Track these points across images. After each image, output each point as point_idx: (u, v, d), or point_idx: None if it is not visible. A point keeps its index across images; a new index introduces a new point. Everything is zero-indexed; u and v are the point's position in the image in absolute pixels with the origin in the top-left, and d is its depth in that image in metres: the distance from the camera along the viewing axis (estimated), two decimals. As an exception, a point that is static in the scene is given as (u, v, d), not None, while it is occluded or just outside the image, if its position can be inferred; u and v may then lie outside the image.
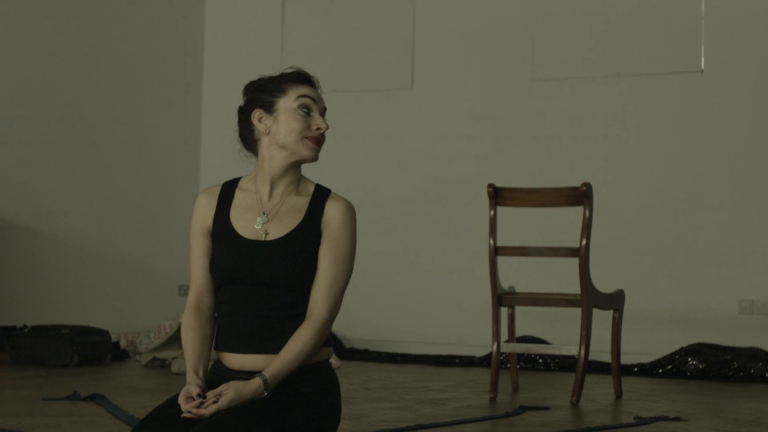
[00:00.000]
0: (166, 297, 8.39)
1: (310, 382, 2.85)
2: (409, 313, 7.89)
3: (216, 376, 2.91)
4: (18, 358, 6.56)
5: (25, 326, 6.74)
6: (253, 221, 2.87)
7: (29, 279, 7.29)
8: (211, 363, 2.93)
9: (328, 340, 2.92)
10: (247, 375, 2.81)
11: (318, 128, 2.91)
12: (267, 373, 2.75)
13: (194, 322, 2.92)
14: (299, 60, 8.35)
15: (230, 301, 2.87)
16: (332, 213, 2.86)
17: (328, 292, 2.81)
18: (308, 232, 2.83)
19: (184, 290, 8.51)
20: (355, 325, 7.95)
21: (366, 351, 7.74)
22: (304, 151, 2.89)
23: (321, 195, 2.91)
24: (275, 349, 2.80)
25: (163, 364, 6.57)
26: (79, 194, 7.71)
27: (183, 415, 2.69)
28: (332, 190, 2.94)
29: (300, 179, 2.95)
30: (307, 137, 2.89)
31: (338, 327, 7.86)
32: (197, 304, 2.95)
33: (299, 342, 2.76)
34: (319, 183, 3.00)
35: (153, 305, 8.19)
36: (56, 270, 7.51)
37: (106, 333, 6.74)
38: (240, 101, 3.02)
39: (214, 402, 2.70)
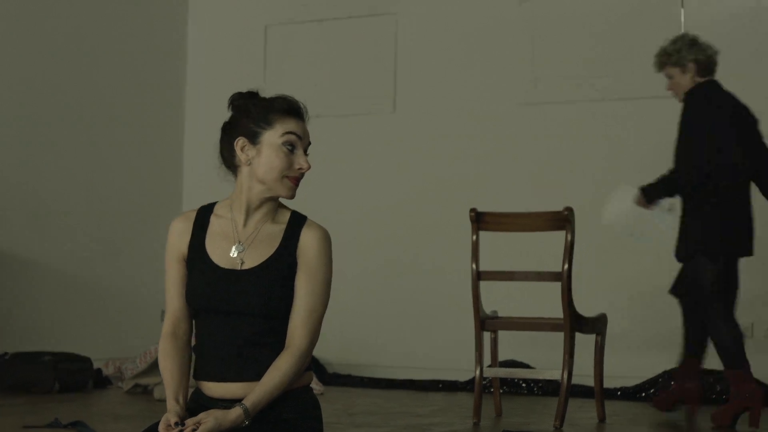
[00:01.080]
0: (149, 322, 8.33)
1: (291, 408, 2.83)
2: (392, 338, 7.88)
3: (195, 404, 2.89)
4: (-1, 385, 6.52)
5: (6, 353, 6.69)
6: (228, 249, 2.86)
7: (10, 306, 7.24)
8: (191, 390, 2.92)
9: (309, 365, 2.91)
10: (227, 403, 2.79)
11: (300, 168, 2.89)
12: (247, 402, 2.73)
13: (171, 348, 2.90)
14: (281, 85, 8.36)
15: (207, 329, 2.86)
16: (308, 241, 2.83)
17: (306, 321, 2.79)
18: (284, 260, 2.81)
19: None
20: (338, 350, 7.93)
21: (349, 376, 7.72)
22: (282, 191, 2.87)
23: (296, 222, 2.88)
24: (253, 377, 2.78)
25: (146, 390, 6.54)
26: (59, 221, 7.68)
27: None
28: (308, 218, 2.91)
29: (276, 208, 2.92)
30: (287, 176, 2.87)
31: (321, 352, 7.83)
32: (174, 330, 2.93)
33: (279, 372, 2.75)
34: (296, 210, 2.97)
35: (135, 330, 8.13)
36: (37, 296, 7.47)
37: (88, 360, 6.71)
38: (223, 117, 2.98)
39: (193, 430, 2.68)
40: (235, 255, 2.84)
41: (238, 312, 2.80)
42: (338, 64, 8.34)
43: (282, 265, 2.80)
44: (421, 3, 8.16)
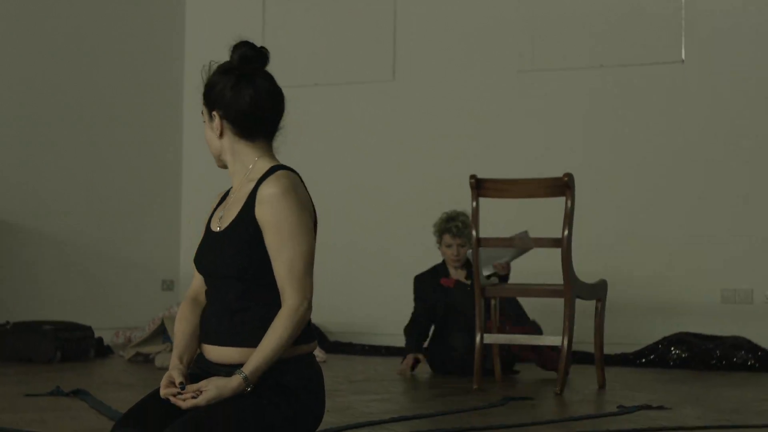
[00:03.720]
0: (150, 292, 8.37)
1: (293, 375, 2.82)
2: (393, 305, 7.87)
3: (198, 369, 2.90)
4: (1, 354, 6.53)
5: (7, 322, 6.71)
6: (224, 212, 2.87)
7: (11, 275, 7.26)
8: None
9: (311, 333, 2.89)
10: (226, 368, 2.79)
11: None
12: (246, 369, 2.72)
13: (188, 311, 2.92)
14: (280, 52, 8.33)
15: (207, 293, 2.88)
16: (261, 201, 2.74)
17: (288, 276, 2.73)
18: (246, 222, 2.77)
19: (167, 285, 8.50)
20: (339, 319, 7.95)
21: (350, 344, 7.74)
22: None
23: (261, 180, 2.79)
24: (243, 342, 2.77)
25: (147, 359, 6.56)
26: (62, 191, 7.69)
27: (162, 394, 2.70)
28: (274, 171, 2.79)
29: (255, 164, 2.85)
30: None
31: (321, 320, 7.86)
32: (195, 294, 2.96)
33: (275, 333, 2.72)
34: (279, 164, 2.86)
35: (136, 300, 8.17)
36: (38, 266, 7.49)
37: (89, 328, 6.72)
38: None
39: (193, 397, 2.69)
40: (220, 218, 2.85)
41: (218, 275, 2.81)
42: (337, 32, 8.30)
43: (245, 227, 2.76)
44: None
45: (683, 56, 7.29)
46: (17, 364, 6.32)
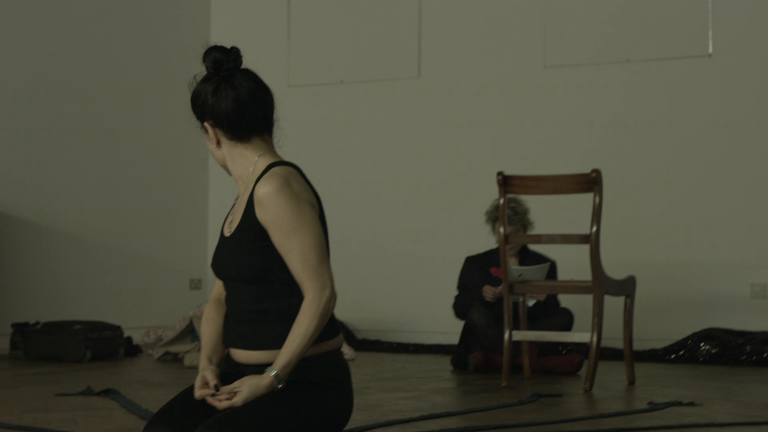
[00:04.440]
0: (177, 291, 8.40)
1: (321, 372, 2.83)
2: (421, 302, 7.88)
3: (228, 368, 2.92)
4: (32, 354, 6.58)
5: (37, 322, 6.75)
6: (232, 216, 2.89)
7: (42, 275, 7.31)
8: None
9: (336, 328, 2.89)
10: (254, 368, 2.80)
11: None
12: (276, 367, 2.72)
13: (214, 312, 2.95)
14: (305, 49, 8.34)
15: (225, 298, 2.91)
16: (258, 202, 2.74)
17: (304, 270, 2.72)
18: (250, 224, 2.77)
19: (195, 284, 8.53)
20: (366, 316, 7.96)
21: (378, 342, 7.74)
22: None
23: (257, 181, 2.78)
24: (264, 344, 2.78)
25: (176, 358, 6.58)
26: (90, 190, 7.72)
27: (196, 395, 2.71)
28: (268, 169, 2.77)
29: (255, 164, 2.83)
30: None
31: (349, 318, 7.87)
32: (218, 296, 2.98)
33: (300, 328, 2.72)
34: (279, 161, 2.83)
35: (164, 299, 8.20)
36: (68, 266, 7.53)
37: (118, 328, 6.76)
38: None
39: (228, 399, 2.70)
40: (229, 222, 2.86)
41: (233, 279, 2.82)
42: (362, 30, 8.30)
43: (250, 230, 2.76)
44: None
45: (710, 50, 7.24)
46: (48, 363, 6.37)
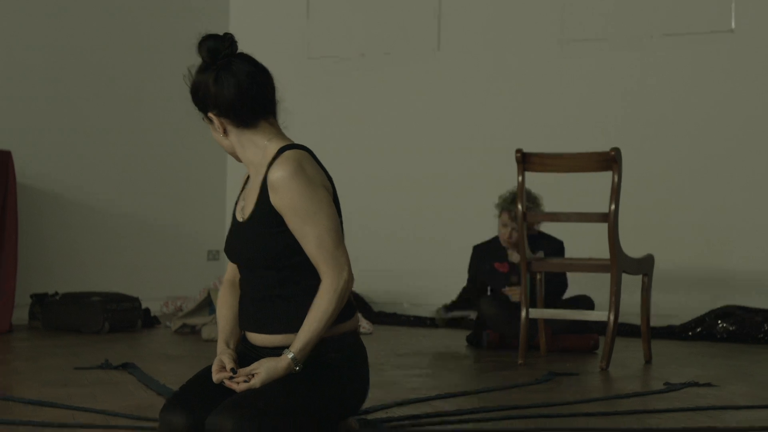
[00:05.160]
0: (195, 262, 8.42)
1: (338, 353, 2.84)
2: (439, 276, 7.87)
3: (245, 348, 2.93)
4: (50, 325, 6.62)
5: (56, 293, 6.79)
6: (244, 201, 2.88)
7: (61, 246, 7.34)
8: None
9: (352, 309, 2.89)
10: (270, 350, 2.81)
11: None
12: (294, 349, 2.74)
13: (229, 296, 2.96)
14: (325, 26, 8.31)
15: (241, 281, 2.91)
16: (272, 187, 2.73)
17: (320, 253, 2.73)
18: (264, 210, 2.77)
19: (212, 255, 8.54)
20: (384, 288, 7.97)
21: (395, 314, 7.75)
22: None
23: (270, 165, 2.77)
24: (280, 328, 2.79)
25: (193, 331, 6.61)
26: (108, 162, 7.75)
27: (214, 378, 2.72)
28: (281, 153, 2.76)
29: (266, 148, 2.81)
30: None
31: (366, 289, 7.87)
32: (232, 278, 2.99)
33: (318, 311, 2.74)
34: (288, 143, 2.82)
35: (183, 270, 8.23)
36: (87, 237, 7.56)
37: (136, 299, 6.79)
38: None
39: (246, 381, 2.72)
40: (242, 206, 2.86)
41: (248, 264, 2.82)
42: (381, 3, 8.26)
43: (265, 215, 2.76)
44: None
45: (733, 25, 7.17)
46: (66, 334, 6.41)
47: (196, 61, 2.86)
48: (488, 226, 6.54)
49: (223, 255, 8.56)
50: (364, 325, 6.87)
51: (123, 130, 7.85)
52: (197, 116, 2.91)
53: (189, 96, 2.88)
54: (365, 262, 7.08)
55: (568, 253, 6.23)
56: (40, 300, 6.75)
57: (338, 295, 2.75)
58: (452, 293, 6.67)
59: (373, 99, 8.25)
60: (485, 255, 6.15)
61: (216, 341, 2.99)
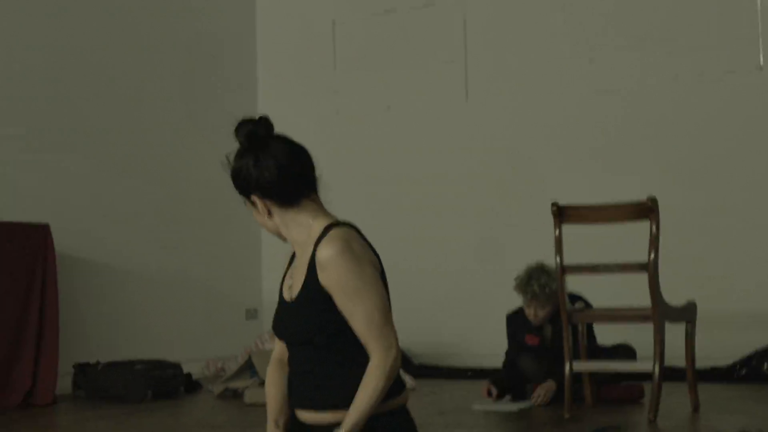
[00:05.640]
0: (234, 321, 8.44)
1: (387, 430, 2.84)
2: (477, 324, 7.85)
3: (294, 427, 2.93)
4: (93, 395, 6.63)
5: (98, 362, 6.81)
6: (292, 280, 2.90)
7: (100, 313, 7.37)
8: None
9: (401, 385, 2.89)
10: (320, 428, 2.82)
11: None
12: (345, 427, 2.75)
13: (276, 375, 2.98)
14: (352, 77, 8.35)
15: (288, 359, 2.93)
16: (321, 266, 2.75)
17: (369, 331, 2.74)
18: (312, 288, 2.78)
19: (251, 314, 8.56)
20: (424, 340, 7.95)
21: (435, 367, 7.72)
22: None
23: (317, 243, 2.79)
24: (333, 405, 2.80)
25: (236, 394, 6.60)
26: (143, 225, 7.79)
27: None
28: (327, 231, 2.78)
29: (311, 227, 2.84)
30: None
31: (406, 343, 7.83)
32: (280, 356, 3.01)
33: (368, 387, 2.75)
34: (332, 219, 2.84)
35: (222, 330, 8.24)
36: (125, 302, 7.59)
37: (178, 366, 6.80)
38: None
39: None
40: (289, 285, 2.87)
41: (297, 343, 2.84)
42: (408, 54, 8.31)
43: (313, 295, 2.78)
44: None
45: (761, 62, 7.16)
46: (110, 404, 6.40)
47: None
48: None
49: (261, 314, 8.62)
50: (407, 380, 6.84)
51: (157, 190, 7.90)
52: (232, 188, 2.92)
53: (222, 153, 2.91)
54: (403, 313, 7.03)
55: (605, 298, 6.16)
56: (82, 370, 6.77)
57: (387, 372, 2.76)
58: (493, 341, 6.64)
59: (400, 153, 8.29)
60: (518, 324, 6.05)
61: (260, 405, 3.02)
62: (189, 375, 6.97)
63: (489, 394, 5.94)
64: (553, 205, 5.28)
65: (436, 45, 8.21)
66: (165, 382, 6.63)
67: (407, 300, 7.76)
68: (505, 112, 7.83)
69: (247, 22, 8.87)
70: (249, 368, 6.59)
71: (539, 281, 5.74)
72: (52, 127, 7.21)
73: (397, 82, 8.32)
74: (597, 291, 6.20)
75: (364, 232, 2.86)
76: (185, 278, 8.07)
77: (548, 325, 5.94)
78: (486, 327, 7.76)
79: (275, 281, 2.98)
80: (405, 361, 7.71)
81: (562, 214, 5.27)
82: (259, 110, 8.71)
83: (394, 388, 2.83)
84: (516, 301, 6.05)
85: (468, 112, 8.07)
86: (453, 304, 8.02)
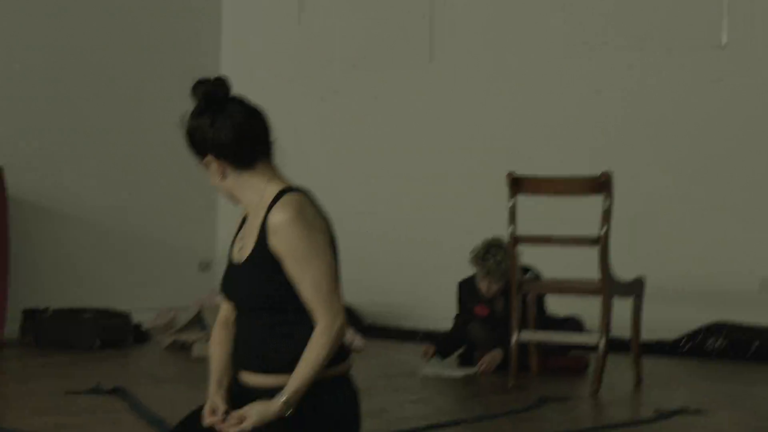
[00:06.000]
0: (188, 273, 8.42)
1: (330, 397, 2.85)
2: (428, 286, 7.88)
3: (238, 388, 2.93)
4: (41, 341, 6.61)
5: (47, 309, 6.78)
6: (240, 243, 2.89)
7: (52, 259, 7.33)
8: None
9: (345, 353, 2.90)
10: (262, 391, 2.82)
11: None
12: (286, 393, 2.75)
13: (222, 336, 2.98)
14: (316, 37, 8.30)
15: (236, 321, 2.93)
16: (272, 231, 2.74)
17: (316, 298, 2.75)
18: (263, 252, 2.77)
19: (204, 266, 8.53)
20: (376, 299, 7.97)
21: (385, 328, 7.74)
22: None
23: (270, 208, 2.78)
24: (276, 369, 2.80)
25: (183, 347, 6.60)
26: (99, 174, 7.74)
27: (205, 423, 2.73)
28: (282, 197, 2.77)
29: (265, 190, 2.83)
30: None
31: (358, 300, 7.87)
32: (226, 318, 3.00)
33: (312, 354, 2.75)
34: (286, 186, 2.82)
35: (175, 281, 8.22)
36: (78, 249, 7.56)
37: (127, 315, 6.79)
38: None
39: (237, 424, 2.73)
40: (240, 247, 2.87)
41: (245, 305, 2.84)
42: (374, 14, 8.25)
43: (263, 258, 2.77)
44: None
45: (724, 40, 7.18)
46: (57, 352, 6.38)
47: (189, 80, 2.88)
48: (479, 235, 6.48)
49: (215, 266, 8.60)
50: (357, 340, 6.87)
51: (113, 141, 7.84)
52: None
53: (180, 108, 2.87)
54: (356, 273, 7.10)
55: (556, 271, 6.21)
56: (31, 316, 6.73)
57: (332, 339, 2.76)
58: (445, 305, 6.68)
59: (364, 112, 8.25)
60: (469, 292, 6.08)
61: (207, 360, 3.01)
62: (138, 325, 6.96)
63: (425, 355, 5.98)
64: (508, 175, 5.29)
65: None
66: (113, 331, 6.62)
67: (362, 260, 7.81)
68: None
69: None
70: (199, 321, 6.59)
71: (495, 257, 5.78)
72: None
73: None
74: (553, 263, 6.26)
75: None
76: (140, 228, 8.03)
77: (500, 297, 5.98)
78: (437, 290, 7.80)
79: (231, 235, 2.96)
80: (355, 320, 7.73)
81: (517, 183, 5.29)
82: (222, 61, 8.65)
83: (338, 355, 2.83)
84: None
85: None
86: (408, 267, 8.04)
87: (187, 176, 8.35)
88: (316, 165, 8.15)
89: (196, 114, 2.84)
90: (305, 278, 2.74)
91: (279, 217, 2.74)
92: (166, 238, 8.25)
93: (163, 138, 8.13)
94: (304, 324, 2.78)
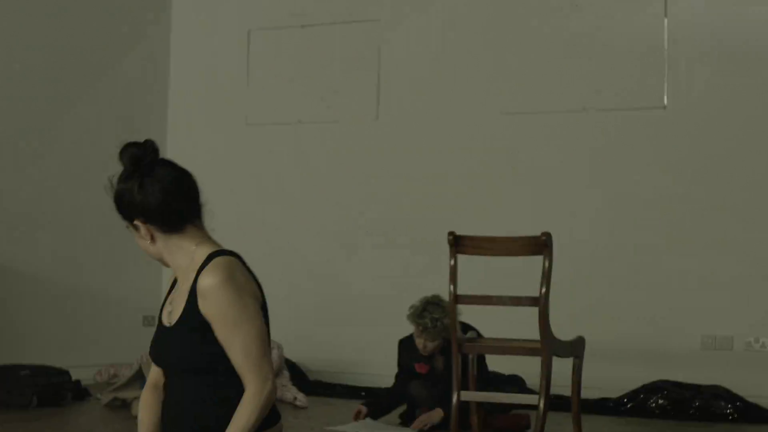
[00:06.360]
0: (131, 328, 8.32)
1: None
2: (374, 343, 7.85)
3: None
4: (-23, 399, 6.49)
5: (-17, 365, 6.67)
6: (172, 305, 2.86)
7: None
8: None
9: (276, 416, 2.87)
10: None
11: None
12: (218, 458, 2.72)
13: (151, 400, 2.95)
14: (264, 90, 8.32)
15: (164, 385, 2.90)
16: (201, 294, 2.71)
17: (246, 363, 2.72)
18: (192, 316, 2.75)
19: (148, 321, 8.45)
20: (321, 356, 7.94)
21: (330, 385, 7.70)
22: None
23: (200, 271, 2.75)
24: None
25: (124, 404, 6.52)
26: (38, 225, 7.65)
27: None
28: (212, 261, 2.74)
29: (194, 253, 2.80)
30: None
31: (301, 357, 7.83)
32: (155, 381, 2.96)
33: (242, 419, 2.72)
34: (214, 248, 2.80)
35: (117, 337, 8.12)
36: (16, 304, 7.44)
37: (66, 372, 6.69)
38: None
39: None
40: (169, 311, 2.84)
41: (173, 369, 2.81)
42: (322, 71, 8.29)
43: (192, 322, 2.75)
44: (405, 10, 8.11)
45: (665, 102, 7.29)
46: (-7, 409, 6.29)
47: (137, 129, 2.87)
48: (424, 291, 6.48)
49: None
50: (300, 398, 6.85)
51: (54, 191, 7.74)
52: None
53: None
54: (300, 327, 7.01)
55: (499, 332, 6.21)
56: (-33, 373, 6.62)
57: (262, 404, 2.74)
58: (391, 362, 6.67)
59: (310, 167, 8.26)
60: (409, 351, 6.08)
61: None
62: (78, 382, 6.85)
63: (357, 416, 5.96)
64: (450, 234, 5.30)
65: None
66: (51, 389, 6.51)
67: (306, 314, 7.77)
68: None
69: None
70: (139, 378, 6.51)
71: (432, 315, 5.79)
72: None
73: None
74: (493, 322, 6.27)
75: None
76: (82, 283, 7.94)
77: (439, 356, 5.97)
78: (382, 346, 7.78)
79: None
80: (299, 377, 7.67)
81: (457, 243, 5.30)
82: (170, 107, 8.62)
83: (269, 418, 2.81)
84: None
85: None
86: (354, 321, 8.02)
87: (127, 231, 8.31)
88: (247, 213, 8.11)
89: (123, 178, 2.83)
90: (235, 343, 2.72)
91: (208, 281, 2.71)
92: (110, 293, 8.16)
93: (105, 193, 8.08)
94: (235, 387, 2.75)
